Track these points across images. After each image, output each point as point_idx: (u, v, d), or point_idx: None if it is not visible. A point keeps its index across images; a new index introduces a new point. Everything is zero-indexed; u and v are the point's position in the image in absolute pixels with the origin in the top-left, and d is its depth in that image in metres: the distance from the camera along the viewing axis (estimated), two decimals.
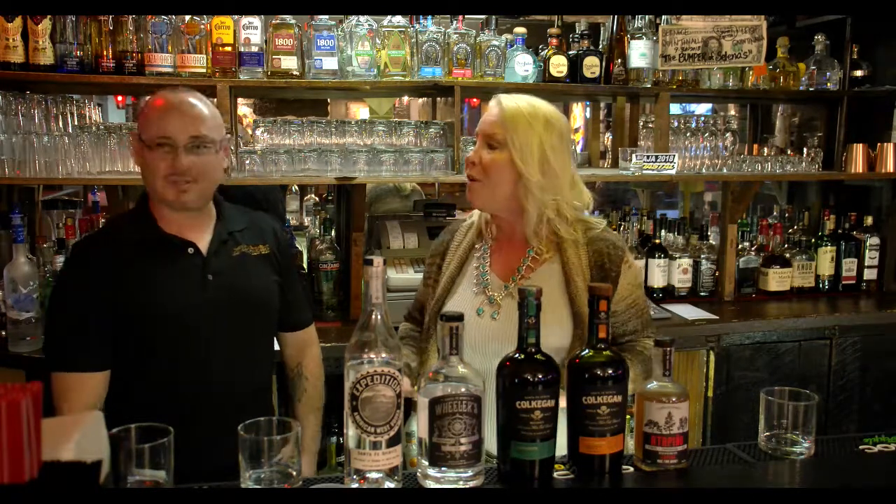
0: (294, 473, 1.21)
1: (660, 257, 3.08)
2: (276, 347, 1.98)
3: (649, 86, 2.96)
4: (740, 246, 3.23)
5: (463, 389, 1.22)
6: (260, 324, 1.84)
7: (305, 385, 1.97)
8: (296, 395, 1.98)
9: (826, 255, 3.24)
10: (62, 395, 1.64)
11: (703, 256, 3.13)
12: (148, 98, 1.76)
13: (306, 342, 2.00)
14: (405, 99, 6.61)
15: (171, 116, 1.67)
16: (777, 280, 3.17)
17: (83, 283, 1.68)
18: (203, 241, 1.76)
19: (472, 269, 1.83)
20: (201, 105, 1.72)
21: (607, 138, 3.85)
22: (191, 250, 1.73)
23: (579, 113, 5.60)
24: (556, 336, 1.67)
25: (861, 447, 1.46)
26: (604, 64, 2.90)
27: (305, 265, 2.92)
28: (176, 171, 1.67)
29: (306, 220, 3.58)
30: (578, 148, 4.61)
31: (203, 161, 1.69)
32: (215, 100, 2.44)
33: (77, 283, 1.70)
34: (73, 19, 2.38)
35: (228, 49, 2.49)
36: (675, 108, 4.38)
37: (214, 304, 1.72)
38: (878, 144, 3.18)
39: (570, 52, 2.88)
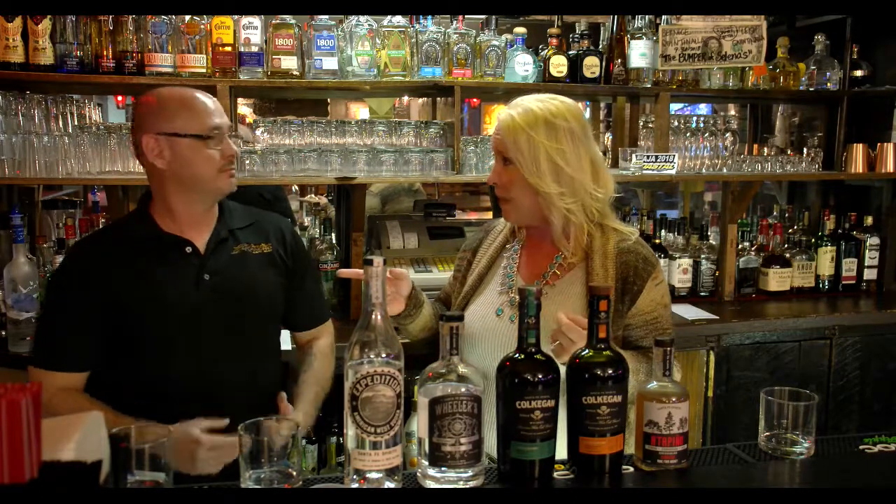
0: (294, 473, 1.21)
1: (660, 257, 3.07)
2: (287, 347, 1.94)
3: (649, 86, 2.96)
4: (740, 246, 3.22)
5: (463, 389, 1.22)
6: (260, 323, 1.81)
7: (312, 360, 1.90)
8: (301, 368, 1.90)
9: (826, 255, 3.24)
10: None
11: (703, 256, 3.13)
12: (155, 97, 1.69)
13: (321, 331, 1.97)
14: (405, 99, 6.61)
15: (207, 107, 1.68)
16: (777, 280, 3.17)
17: (75, 281, 1.67)
18: (202, 240, 1.74)
19: (501, 269, 1.80)
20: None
21: (607, 138, 3.84)
22: (188, 249, 1.71)
23: None
24: None
25: (861, 447, 1.46)
26: (604, 64, 2.90)
27: None
28: (230, 157, 1.70)
29: (306, 220, 3.57)
30: None
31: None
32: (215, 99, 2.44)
33: (69, 281, 1.69)
34: (73, 19, 2.38)
35: (228, 49, 2.49)
36: (677, 107, 4.38)
37: (210, 303, 1.70)
38: (878, 144, 3.18)
39: (570, 52, 2.88)
